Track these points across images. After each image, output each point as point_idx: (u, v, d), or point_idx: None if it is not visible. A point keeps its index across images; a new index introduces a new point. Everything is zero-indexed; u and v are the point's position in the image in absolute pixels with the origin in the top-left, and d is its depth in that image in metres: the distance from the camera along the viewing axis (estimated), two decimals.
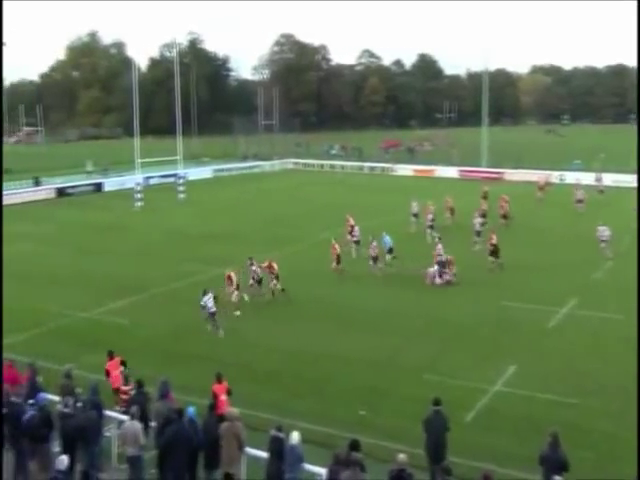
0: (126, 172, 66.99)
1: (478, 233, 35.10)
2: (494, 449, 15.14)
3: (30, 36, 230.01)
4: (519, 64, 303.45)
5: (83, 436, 13.54)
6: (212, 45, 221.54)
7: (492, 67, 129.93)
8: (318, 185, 65.27)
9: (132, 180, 57.26)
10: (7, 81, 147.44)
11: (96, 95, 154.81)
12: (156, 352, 21.46)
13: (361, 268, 30.77)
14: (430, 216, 37.79)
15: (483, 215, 38.53)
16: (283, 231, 40.30)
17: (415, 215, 39.86)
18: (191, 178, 66.44)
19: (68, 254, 35.79)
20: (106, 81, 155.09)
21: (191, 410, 13.56)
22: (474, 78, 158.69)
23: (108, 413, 14.82)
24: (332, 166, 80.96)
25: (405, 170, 74.14)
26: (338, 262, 30.58)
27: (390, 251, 31.43)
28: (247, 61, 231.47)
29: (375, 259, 30.50)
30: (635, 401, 16.72)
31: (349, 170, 78.22)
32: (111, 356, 17.52)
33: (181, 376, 16.41)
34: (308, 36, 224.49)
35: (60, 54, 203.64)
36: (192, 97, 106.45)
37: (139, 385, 14.98)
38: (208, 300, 22.94)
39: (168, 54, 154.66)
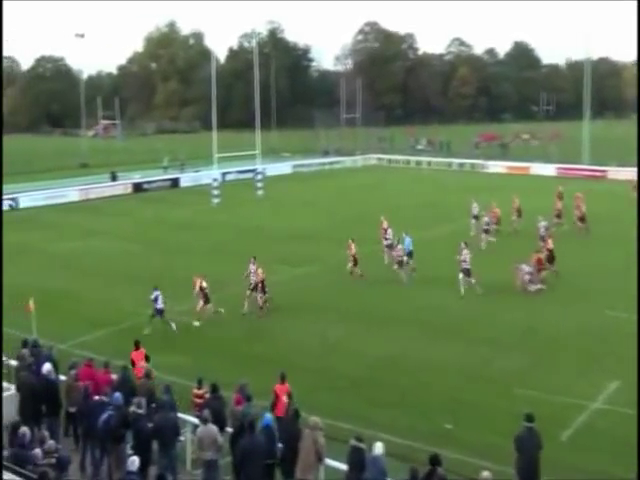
0: (203, 167, 68.42)
1: (542, 238, 32.89)
2: (592, 470, 14.79)
3: (108, 28, 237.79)
4: (623, 52, 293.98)
5: (160, 437, 13.87)
6: (292, 35, 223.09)
7: (594, 55, 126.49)
8: (403, 182, 64.97)
9: (209, 175, 58.43)
10: (85, 73, 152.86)
11: (174, 87, 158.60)
12: (228, 354, 21.83)
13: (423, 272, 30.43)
14: (486, 219, 36.75)
15: (558, 216, 37.40)
16: (365, 230, 40.16)
17: (476, 217, 38.49)
18: (270, 174, 67.25)
19: (143, 251, 36.83)
20: (184, 73, 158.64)
21: (268, 417, 13.74)
22: (574, 67, 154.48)
23: (180, 416, 15.14)
24: (418, 162, 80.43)
25: (497, 167, 72.92)
26: (355, 264, 30.22)
27: (410, 255, 30.74)
28: (329, 51, 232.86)
29: (400, 263, 30.12)
30: None
31: (436, 166, 77.53)
32: (137, 346, 18.12)
33: (256, 381, 16.61)
34: (394, 24, 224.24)
35: (138, 46, 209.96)
36: (271, 89, 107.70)
37: (213, 389, 15.25)
38: (157, 296, 23.72)
39: (247, 44, 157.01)
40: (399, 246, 30.76)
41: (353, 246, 30.32)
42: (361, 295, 28.09)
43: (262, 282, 25.78)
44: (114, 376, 16.58)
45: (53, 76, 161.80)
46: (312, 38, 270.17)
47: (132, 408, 13.99)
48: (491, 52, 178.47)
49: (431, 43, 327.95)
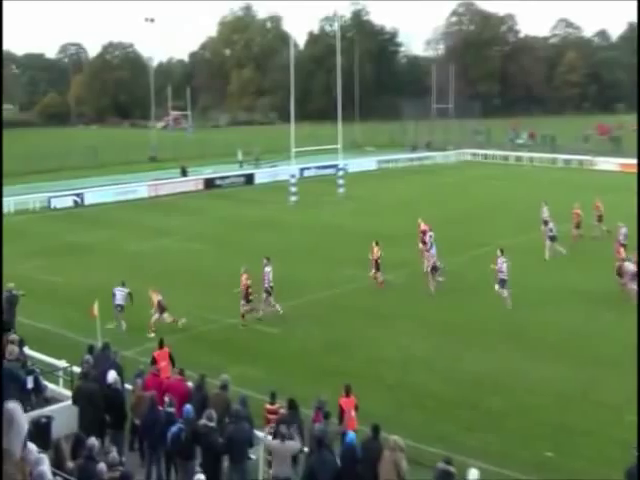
0: (280, 162, 69.14)
1: (623, 246, 31.82)
2: None
3: (180, 11, 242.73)
4: None
5: (232, 451, 14.10)
6: (378, 17, 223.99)
7: None
8: (501, 180, 64.16)
9: (286, 171, 59.01)
10: (155, 61, 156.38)
11: (249, 75, 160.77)
12: (303, 366, 22.12)
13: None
14: (551, 225, 35.60)
15: None
16: (457, 234, 39.96)
17: (545, 223, 37.27)
18: (352, 170, 67.43)
19: (216, 251, 37.52)
20: (260, 60, 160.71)
21: (351, 436, 13.88)
22: None
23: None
24: (518, 158, 79.25)
25: (608, 164, 71.16)
26: (377, 269, 30.26)
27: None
28: (419, 35, 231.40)
29: (435, 269, 29.81)
30: None
31: (539, 163, 76.25)
32: (161, 345, 19.10)
33: (333, 396, 16.70)
34: (492, 4, 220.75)
35: (211, 31, 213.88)
36: (355, 77, 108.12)
37: (290, 404, 15.45)
38: (119, 291, 25.65)
39: (329, 28, 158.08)
40: (432, 250, 30.92)
41: (376, 249, 30.49)
42: (449, 304, 27.96)
43: (247, 289, 26.11)
44: (190, 384, 16.92)
45: (121, 64, 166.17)
46: (400, 21, 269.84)
47: (202, 421, 14.20)
48: (602, 35, 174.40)
49: (534, 25, 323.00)
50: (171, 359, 18.88)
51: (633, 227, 33.36)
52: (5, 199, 50.62)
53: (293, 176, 54.84)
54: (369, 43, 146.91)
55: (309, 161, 67.46)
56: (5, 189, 53.60)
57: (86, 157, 75.88)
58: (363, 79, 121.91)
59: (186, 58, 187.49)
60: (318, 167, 68.81)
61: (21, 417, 5.25)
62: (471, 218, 45.56)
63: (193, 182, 62.15)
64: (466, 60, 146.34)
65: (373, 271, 30.50)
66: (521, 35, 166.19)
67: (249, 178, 65.45)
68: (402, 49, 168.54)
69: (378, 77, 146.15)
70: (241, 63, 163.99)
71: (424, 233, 34.21)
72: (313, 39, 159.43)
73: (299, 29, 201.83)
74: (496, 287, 27.83)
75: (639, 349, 20.82)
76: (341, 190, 56.89)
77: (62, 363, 19.10)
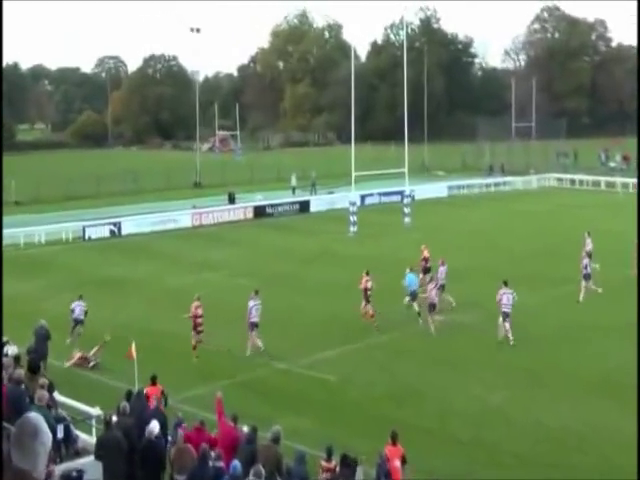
0: (338, 188, 69.52)
1: None
2: None
3: (229, 21, 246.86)
4: None
5: None
6: (451, 25, 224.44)
7: None
8: (590, 209, 63.41)
9: (345, 198, 59.34)
10: (201, 75, 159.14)
11: (304, 91, 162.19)
12: (365, 417, 22.16)
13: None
14: (585, 261, 35.31)
15: None
16: (538, 270, 39.67)
17: (589, 255, 37.06)
18: (420, 197, 67.51)
19: (266, 288, 37.52)
20: (317, 73, 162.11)
21: None
22: None
23: None
24: (610, 184, 78.18)
25: None
26: (367, 301, 30.79)
27: (412, 296, 31.46)
28: (496, 44, 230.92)
29: (433, 307, 30.29)
30: None
31: (634, 190, 75.18)
32: (154, 381, 20.09)
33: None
34: (580, 9, 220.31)
35: (263, 42, 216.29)
36: (424, 92, 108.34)
37: (344, 462, 15.43)
38: (77, 306, 28.49)
39: (394, 38, 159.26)
40: (431, 284, 31.29)
41: (365, 279, 31.11)
42: (528, 350, 27.73)
43: (196, 319, 27.62)
44: (244, 429, 17.04)
45: (163, 78, 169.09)
46: (475, 28, 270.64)
47: (250, 478, 14.25)
48: None
49: (628, 32, 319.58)
50: (164, 397, 19.49)
51: None
52: (35, 228, 51.89)
53: (353, 204, 55.08)
54: (440, 54, 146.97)
55: (371, 187, 67.64)
56: (36, 217, 54.96)
57: (124, 182, 77.24)
58: (433, 94, 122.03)
59: (235, 72, 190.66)
60: (381, 194, 69.03)
61: (46, 427, 5.21)
62: (554, 252, 45.09)
63: (241, 210, 62.85)
64: (550, 72, 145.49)
65: (363, 303, 31.02)
66: (613, 44, 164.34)
67: (304, 206, 65.96)
68: (477, 60, 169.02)
69: (450, 92, 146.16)
70: (296, 77, 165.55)
71: (426, 261, 35.76)
72: (376, 50, 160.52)
73: (361, 39, 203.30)
74: (499, 320, 28.68)
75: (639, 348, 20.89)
76: (407, 219, 56.92)
77: (95, 410, 19.26)
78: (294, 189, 74.05)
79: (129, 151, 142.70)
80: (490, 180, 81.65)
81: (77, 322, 28.63)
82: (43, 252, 48.25)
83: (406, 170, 58.53)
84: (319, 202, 67.40)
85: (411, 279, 32.41)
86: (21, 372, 17.45)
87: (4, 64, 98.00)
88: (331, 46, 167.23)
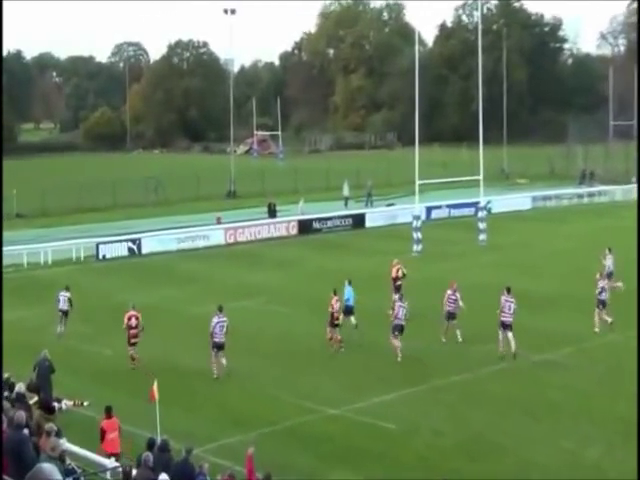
0: (400, 199, 69.41)
1: None
2: None
3: (270, 2, 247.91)
4: None
5: None
6: (535, 3, 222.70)
7: None
8: None
9: (408, 212, 59.38)
10: (236, 65, 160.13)
11: (359, 84, 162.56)
12: (435, 473, 21.87)
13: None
14: (601, 284, 35.48)
15: None
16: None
17: (609, 276, 38.33)
18: (497, 210, 67.39)
19: (312, 317, 37.62)
20: (374, 62, 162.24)
21: None
22: None
23: None
24: None
25: None
26: (332, 324, 32.51)
27: (348, 311, 33.53)
28: (590, 26, 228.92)
29: (400, 329, 31.59)
30: None
31: None
32: (109, 413, 21.15)
33: None
34: None
35: (310, 25, 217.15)
36: (502, 85, 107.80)
37: None
38: (62, 295, 34.39)
39: (466, 19, 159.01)
40: (398, 303, 32.52)
41: (334, 300, 32.80)
42: (628, 395, 27.28)
43: (130, 330, 31.21)
44: None
45: (192, 69, 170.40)
46: (564, 8, 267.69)
47: None
48: None
49: None
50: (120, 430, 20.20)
51: None
52: (41, 245, 52.51)
53: (417, 218, 54.90)
54: (522, 38, 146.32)
55: (439, 198, 67.54)
56: (41, 232, 55.61)
57: (145, 191, 77.86)
58: (513, 87, 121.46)
59: (276, 61, 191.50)
60: (451, 206, 68.76)
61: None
62: None
63: (284, 225, 63.10)
64: None
65: (328, 328, 32.47)
66: None
67: (358, 220, 65.88)
68: (567, 46, 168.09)
69: (534, 84, 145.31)
70: (349, 67, 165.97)
71: (395, 280, 37.53)
72: (445, 34, 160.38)
73: (426, 21, 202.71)
74: (499, 334, 31.00)
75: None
76: (482, 237, 56.60)
77: (111, 462, 19.49)
78: (347, 200, 74.17)
79: (151, 154, 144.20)
80: (583, 190, 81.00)
81: (62, 312, 34.63)
82: (49, 274, 48.69)
83: (481, 177, 58.07)
84: (376, 216, 67.34)
85: (349, 293, 34.58)
86: (22, 414, 17.57)
87: (4, 53, 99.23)
88: (391, 30, 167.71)
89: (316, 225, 63.94)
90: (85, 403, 26.37)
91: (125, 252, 54.78)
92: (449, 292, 34.09)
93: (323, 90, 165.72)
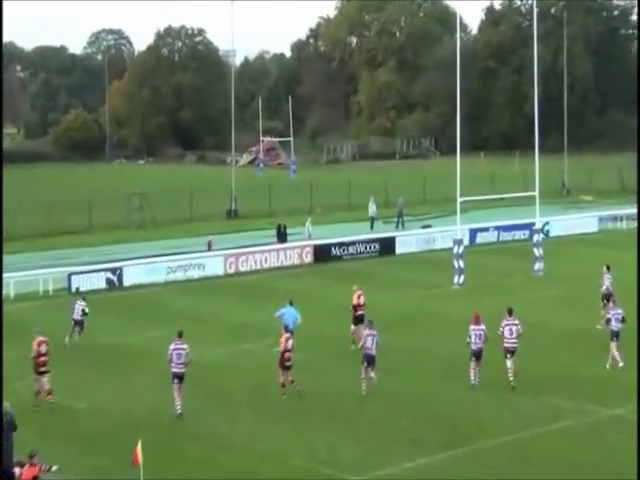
0: (437, 219, 69.28)
1: None
2: None
3: None
4: None
5: None
6: None
7: None
8: None
9: (448, 235, 59.60)
10: (238, 57, 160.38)
11: (387, 79, 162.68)
12: None
13: None
14: (611, 313, 37.02)
15: None
16: None
17: (607, 299, 40.33)
18: (557, 233, 67.47)
19: (331, 362, 38.08)
20: (406, 54, 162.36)
21: None
22: None
23: None
24: None
25: None
26: (283, 366, 33.74)
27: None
28: None
29: (371, 360, 33.51)
30: None
31: None
32: (31, 459, 22.47)
33: None
34: None
35: (328, 9, 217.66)
36: (563, 80, 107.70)
37: None
38: (77, 304, 40.21)
39: (518, 1, 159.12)
40: (365, 331, 34.63)
41: (284, 338, 34.27)
42: None
43: (39, 357, 32.71)
44: None
45: (185, 61, 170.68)
46: None
47: None
48: None
49: None
50: None
51: None
52: (3, 276, 52.60)
53: (459, 243, 54.65)
54: (586, 24, 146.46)
55: (485, 218, 67.43)
56: (4, 259, 55.68)
57: (128, 211, 77.96)
58: (576, 83, 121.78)
59: (287, 52, 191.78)
60: (500, 228, 68.44)
61: None
62: None
63: (296, 251, 62.95)
64: None
65: (279, 370, 33.85)
66: None
67: (387, 245, 65.78)
68: None
69: (601, 80, 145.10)
70: (375, 60, 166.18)
71: (355, 308, 39.89)
72: (493, 19, 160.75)
73: (470, 3, 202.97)
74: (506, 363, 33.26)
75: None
76: (538, 266, 56.46)
77: None
78: (373, 221, 74.08)
79: (135, 165, 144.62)
80: None
81: (76, 323, 39.86)
82: (12, 310, 48.42)
83: (537, 194, 57.87)
84: (409, 240, 67.19)
85: (291, 316, 38.01)
86: None
87: None
88: (426, 14, 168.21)
89: (336, 251, 63.85)
90: (53, 468, 26.30)
91: (103, 284, 54.90)
92: (473, 327, 34.51)
93: (344, 88, 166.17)
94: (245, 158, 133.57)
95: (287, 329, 36.50)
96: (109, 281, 55.18)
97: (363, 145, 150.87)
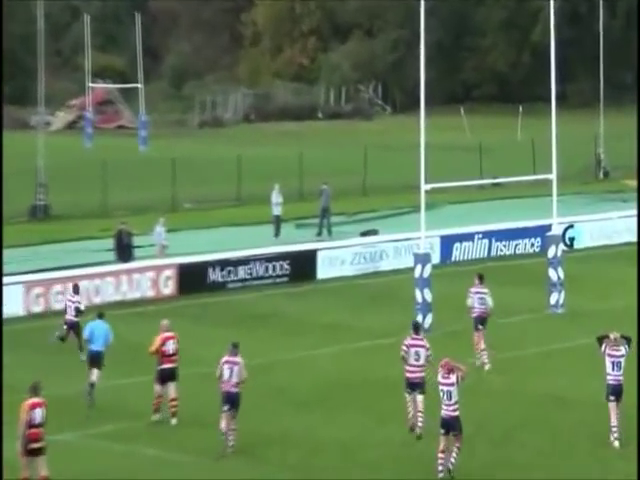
0: (387, 220, 69.56)
1: None
2: None
3: None
4: None
5: None
6: None
7: None
8: None
9: (402, 247, 60.08)
10: None
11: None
12: None
13: None
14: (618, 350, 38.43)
15: None
16: None
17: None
18: (587, 242, 68.64)
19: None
20: None
21: None
22: None
23: None
24: None
25: None
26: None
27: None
28: None
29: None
30: None
31: None
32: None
33: None
34: None
35: None
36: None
37: None
38: (69, 304, 49.61)
39: None
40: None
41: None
42: None
43: None
44: None
45: None
46: None
47: None
48: None
49: None
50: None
51: None
52: None
53: (424, 260, 54.40)
54: None
55: (467, 218, 67.93)
56: None
57: None
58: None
59: None
60: (492, 235, 69.14)
61: None
62: None
63: (149, 275, 62.73)
64: None
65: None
66: None
67: (303, 264, 66.50)
68: None
69: None
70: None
71: (162, 359, 42.28)
72: None
73: None
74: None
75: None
76: (555, 298, 56.85)
77: None
78: (279, 223, 74.23)
79: None
80: None
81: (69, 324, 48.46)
82: None
83: (554, 176, 58.02)
84: (339, 255, 67.64)
85: (100, 330, 42.86)
86: None
87: None
88: None
89: (215, 276, 63.85)
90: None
91: None
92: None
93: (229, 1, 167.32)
94: (62, 118, 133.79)
95: (94, 352, 42.22)
96: None
97: (262, 96, 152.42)
